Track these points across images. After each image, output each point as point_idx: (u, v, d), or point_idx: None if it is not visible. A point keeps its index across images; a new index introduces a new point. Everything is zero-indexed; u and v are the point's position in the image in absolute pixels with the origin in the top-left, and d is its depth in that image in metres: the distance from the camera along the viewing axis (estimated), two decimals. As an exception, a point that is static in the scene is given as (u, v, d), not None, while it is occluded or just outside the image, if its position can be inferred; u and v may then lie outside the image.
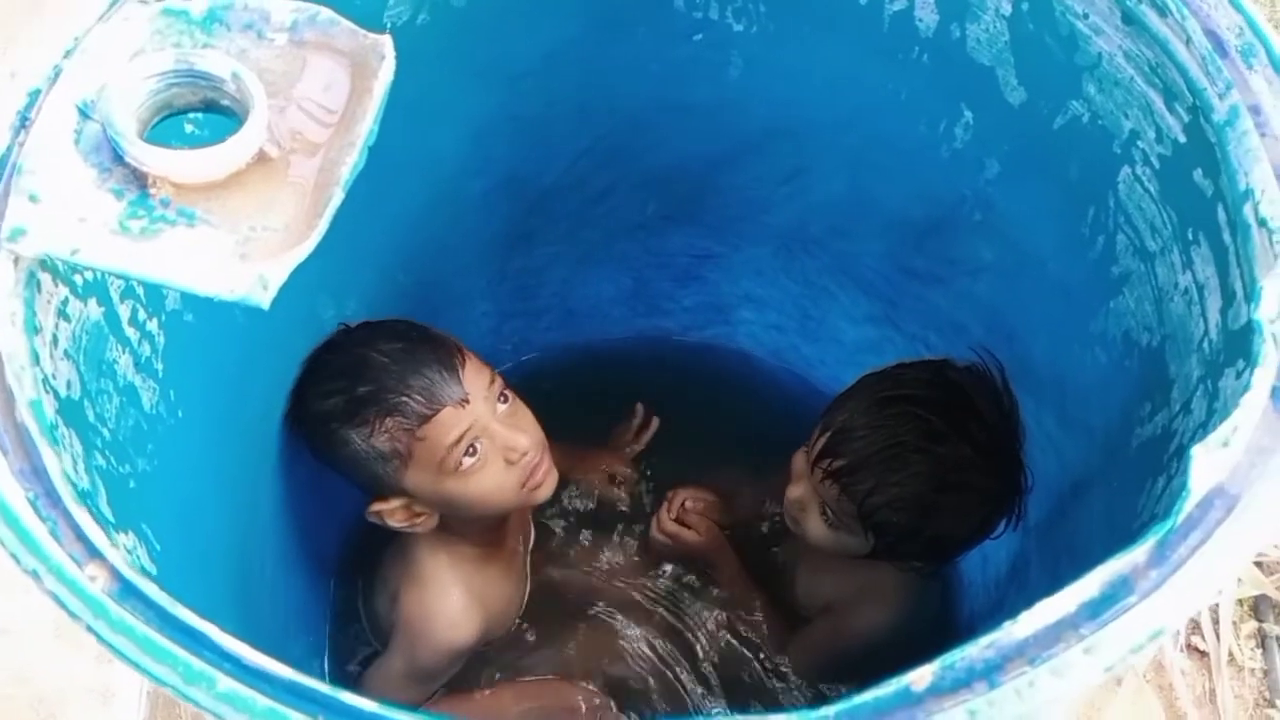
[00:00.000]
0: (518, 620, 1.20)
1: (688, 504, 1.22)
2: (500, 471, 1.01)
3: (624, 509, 1.30)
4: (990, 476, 0.98)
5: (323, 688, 0.47)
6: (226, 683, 0.47)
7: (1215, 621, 1.40)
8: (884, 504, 0.97)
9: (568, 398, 1.34)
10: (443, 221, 1.11)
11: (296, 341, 1.04)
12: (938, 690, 0.48)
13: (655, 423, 1.35)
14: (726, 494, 1.28)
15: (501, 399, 1.02)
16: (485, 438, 0.99)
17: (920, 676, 0.48)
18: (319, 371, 1.01)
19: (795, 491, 1.04)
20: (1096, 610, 0.50)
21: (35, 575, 0.50)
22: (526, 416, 1.05)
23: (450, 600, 1.08)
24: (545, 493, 1.05)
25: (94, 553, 0.52)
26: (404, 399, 0.96)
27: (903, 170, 1.04)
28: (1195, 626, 1.40)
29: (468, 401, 0.98)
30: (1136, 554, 0.52)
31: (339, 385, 0.99)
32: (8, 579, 1.27)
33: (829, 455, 0.98)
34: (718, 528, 1.22)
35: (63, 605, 0.49)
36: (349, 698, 0.47)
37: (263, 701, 0.46)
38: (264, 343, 0.97)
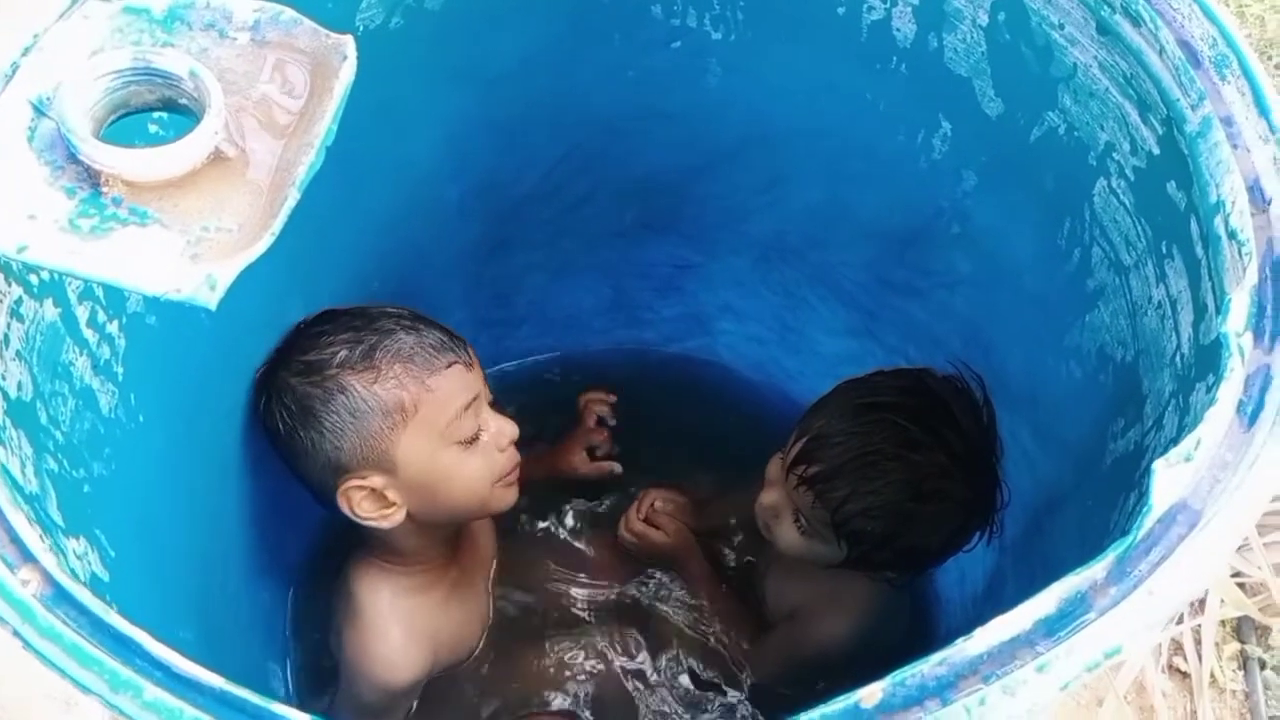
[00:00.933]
0: (480, 643, 1.16)
1: (657, 504, 1.21)
2: (487, 456, 1.00)
3: (618, 473, 1.28)
4: (966, 487, 0.97)
5: (254, 698, 0.45)
6: (154, 691, 0.46)
7: (1197, 642, 1.38)
8: (858, 512, 0.96)
9: (546, 408, 1.34)
10: (417, 226, 1.10)
11: (264, 345, 1.02)
12: (888, 708, 0.47)
13: (612, 398, 1.32)
14: (700, 499, 1.27)
15: (492, 403, 1.03)
16: (483, 416, 0.99)
17: (870, 693, 0.47)
18: (317, 327, 0.97)
19: (769, 497, 1.02)
20: (1053, 628, 0.49)
21: (-37, 579, 0.49)
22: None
23: (388, 641, 1.04)
24: (512, 496, 1.04)
25: (28, 557, 0.50)
26: (418, 347, 0.94)
27: (881, 180, 1.03)
28: (1177, 647, 1.39)
29: (474, 366, 0.98)
30: (1095, 570, 0.50)
31: (345, 335, 0.95)
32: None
33: (804, 461, 0.97)
34: (687, 530, 1.21)
35: (-12, 610, 0.48)
36: (281, 709, 0.45)
37: (190, 711, 0.45)
38: (230, 346, 0.96)
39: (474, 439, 0.98)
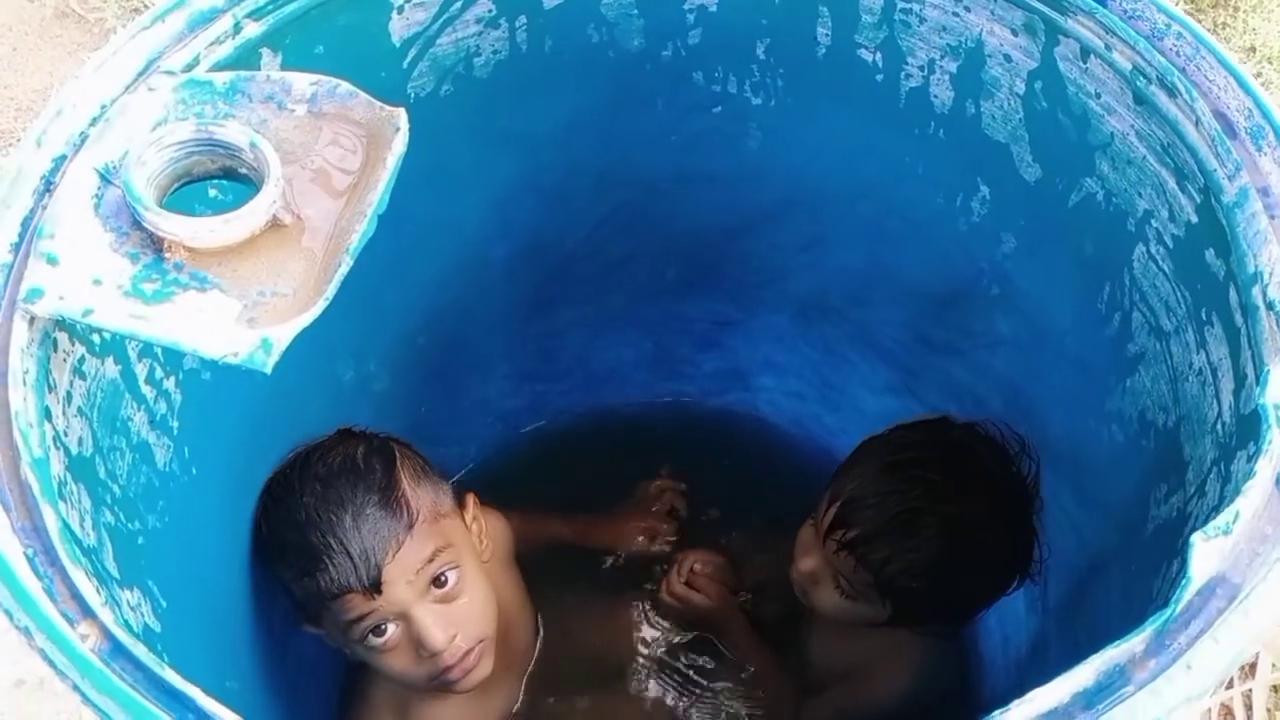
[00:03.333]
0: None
1: (697, 567, 1.20)
2: (409, 658, 0.95)
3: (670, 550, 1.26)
4: (1002, 531, 0.97)
5: (301, 757, 0.46)
6: (206, 748, 0.47)
7: (1248, 708, 1.35)
8: (901, 571, 0.96)
9: (586, 461, 1.35)
10: (464, 286, 1.12)
11: (315, 401, 1.05)
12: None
13: (682, 485, 1.31)
14: (740, 559, 1.26)
15: (438, 581, 0.95)
16: (399, 621, 0.94)
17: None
18: (274, 495, 0.97)
19: (807, 565, 1.02)
20: (1091, 700, 0.49)
21: (26, 632, 0.50)
22: (468, 604, 0.97)
23: None
24: (465, 687, 0.98)
25: (87, 612, 0.52)
26: (320, 565, 0.91)
27: (920, 242, 1.04)
28: (1227, 712, 1.36)
29: (379, 593, 0.91)
30: (1134, 643, 0.50)
31: (278, 522, 0.95)
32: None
33: (841, 526, 0.97)
34: (728, 592, 1.20)
35: (51, 663, 0.50)
36: (326, 768, 0.46)
37: (240, 768, 0.46)
38: (282, 402, 0.98)
39: (387, 644, 0.94)
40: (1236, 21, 1.93)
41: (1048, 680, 0.50)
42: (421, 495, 0.97)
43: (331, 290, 0.65)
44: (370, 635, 0.94)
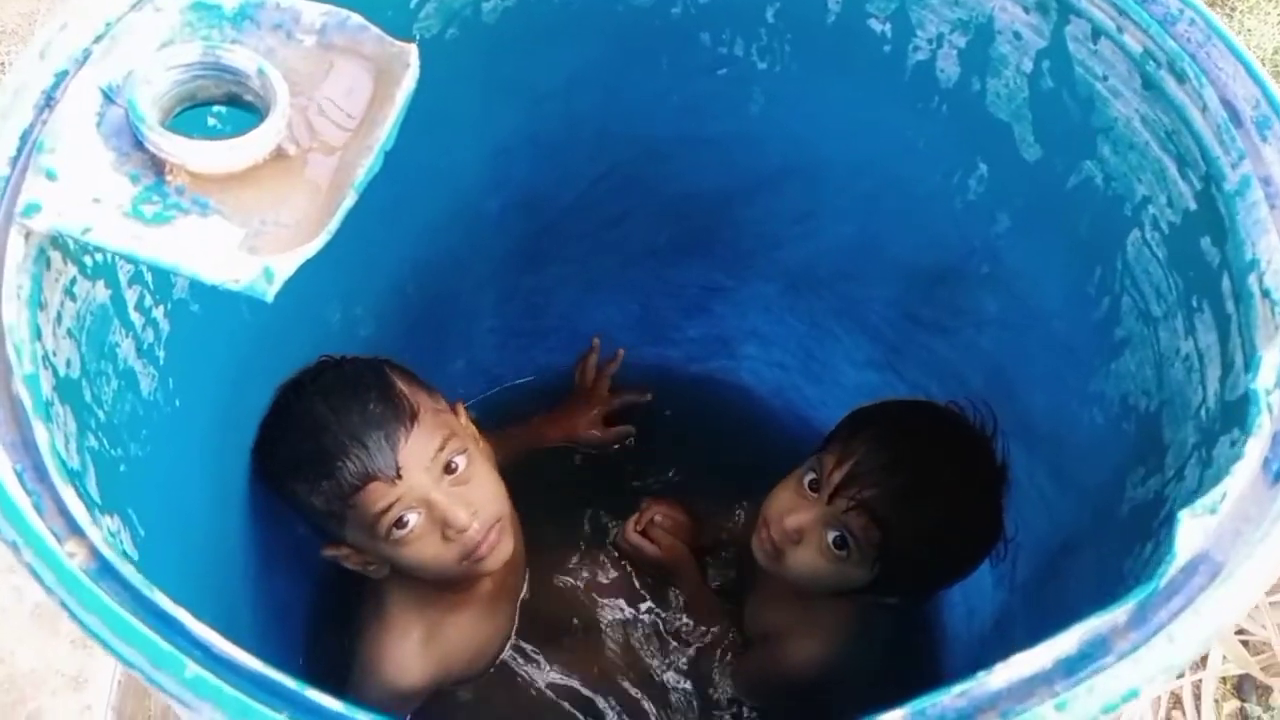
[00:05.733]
0: (497, 659, 1.18)
1: (657, 519, 1.24)
2: (436, 543, 0.99)
3: (632, 440, 1.34)
4: (989, 513, 1.02)
5: (290, 683, 0.47)
6: (194, 669, 0.47)
7: (1197, 698, 1.38)
8: (910, 535, 0.98)
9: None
10: (457, 236, 1.12)
11: (300, 341, 1.04)
12: (907, 734, 0.48)
13: (620, 354, 1.36)
14: (707, 518, 1.30)
15: (449, 468, 0.99)
16: (420, 509, 0.97)
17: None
18: (278, 417, 1.01)
19: (795, 521, 1.01)
20: (1073, 667, 0.50)
21: (15, 547, 0.50)
22: (480, 486, 1.01)
23: (407, 644, 1.07)
24: (491, 565, 1.02)
25: (75, 529, 0.52)
26: (337, 464, 0.94)
27: (914, 218, 1.04)
28: (1176, 701, 1.39)
29: (399, 477, 0.95)
30: (1117, 614, 0.51)
31: (287, 437, 0.99)
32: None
33: (855, 484, 0.98)
34: (683, 546, 1.24)
35: (39, 579, 0.49)
36: (315, 695, 0.47)
37: (229, 691, 0.46)
38: (268, 340, 0.97)
39: (413, 533, 0.98)
40: (1233, 22, 1.95)
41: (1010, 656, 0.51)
42: (418, 394, 1.01)
43: (335, 224, 0.64)
44: (394, 529, 0.97)
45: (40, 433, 0.54)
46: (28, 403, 0.55)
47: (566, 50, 0.99)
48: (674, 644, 1.23)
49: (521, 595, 1.22)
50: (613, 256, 1.25)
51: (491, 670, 1.18)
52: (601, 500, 1.34)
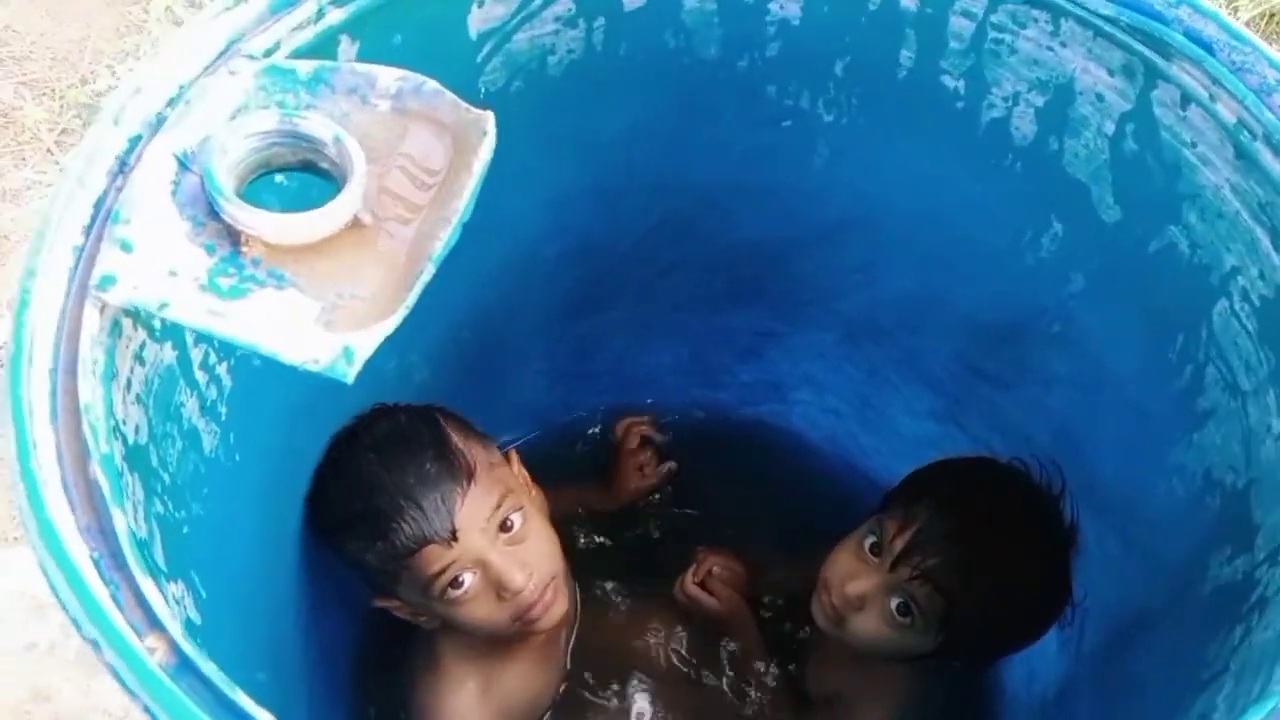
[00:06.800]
0: (552, 703, 1.17)
1: (715, 570, 1.21)
2: (491, 603, 0.97)
3: (674, 469, 1.31)
4: (1057, 580, 0.99)
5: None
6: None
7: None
8: (975, 603, 0.96)
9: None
10: (512, 283, 1.10)
11: (355, 389, 1.01)
12: None
13: (651, 416, 1.33)
14: (758, 567, 1.27)
15: (505, 525, 0.97)
16: (476, 569, 0.96)
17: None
18: (331, 469, 0.99)
19: (857, 588, 0.99)
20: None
21: (95, 645, 0.49)
22: (535, 543, 0.99)
23: (463, 694, 1.05)
24: (545, 625, 1.01)
25: (155, 623, 0.51)
26: (392, 526, 0.93)
27: (981, 274, 1.02)
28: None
29: (455, 539, 0.94)
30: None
31: (340, 494, 0.97)
32: (42, 596, 1.27)
33: (918, 554, 0.96)
34: (739, 598, 1.21)
35: (120, 680, 0.48)
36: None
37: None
38: (324, 389, 0.95)
39: (467, 594, 0.97)
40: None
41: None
42: (473, 448, 0.99)
43: (413, 298, 0.63)
44: (449, 589, 0.95)
45: (118, 519, 0.53)
46: (105, 488, 0.54)
47: (630, 101, 0.97)
48: (730, 697, 1.20)
49: (572, 640, 1.20)
50: (665, 302, 1.23)
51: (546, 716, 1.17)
52: (651, 545, 1.32)
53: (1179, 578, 0.85)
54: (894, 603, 0.98)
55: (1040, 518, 0.99)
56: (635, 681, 1.21)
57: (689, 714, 1.20)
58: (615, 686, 1.20)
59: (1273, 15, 1.96)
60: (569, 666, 1.19)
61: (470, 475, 0.95)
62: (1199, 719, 0.73)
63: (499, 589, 0.96)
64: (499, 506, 0.97)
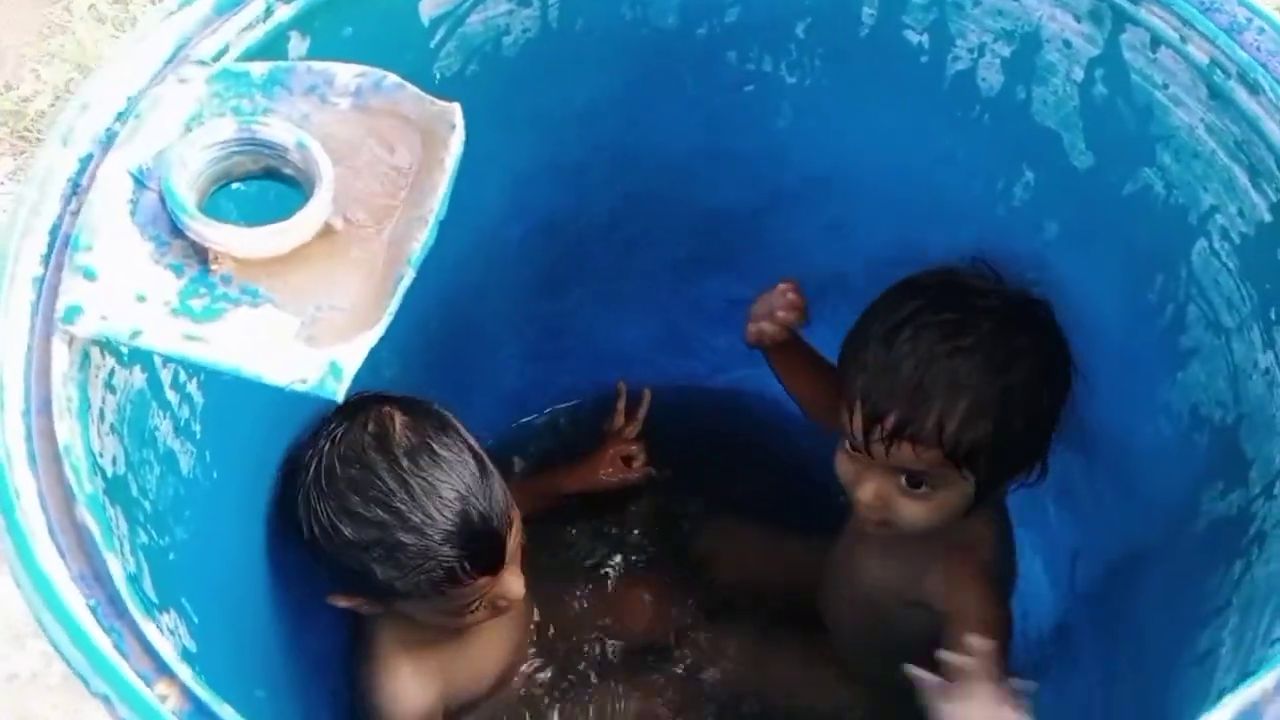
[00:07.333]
0: (507, 673, 1.17)
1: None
2: (485, 612, 1.00)
3: (655, 473, 1.29)
4: (1026, 335, 0.91)
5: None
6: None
7: None
8: (960, 426, 0.88)
9: (593, 440, 1.32)
10: (478, 267, 1.08)
11: (324, 400, 1.00)
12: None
13: (647, 395, 1.32)
14: (746, 540, 1.27)
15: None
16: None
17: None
18: (356, 488, 0.91)
19: (868, 490, 0.94)
20: (1225, 742, 0.48)
21: (106, 700, 0.47)
22: (517, 548, 1.00)
23: (397, 676, 1.05)
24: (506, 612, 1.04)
25: (163, 669, 0.49)
26: (445, 563, 0.90)
27: (953, 225, 1.01)
28: None
29: (497, 573, 0.95)
30: (1265, 681, 0.49)
31: (379, 520, 0.90)
32: (18, 625, 1.23)
33: (877, 421, 0.90)
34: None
35: (136, 735, 0.46)
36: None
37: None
38: (296, 398, 0.92)
39: (466, 615, 0.98)
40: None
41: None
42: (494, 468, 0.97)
43: (394, 305, 0.61)
44: (468, 609, 0.97)
45: (113, 564, 0.51)
46: (95, 531, 0.52)
47: (588, 76, 0.95)
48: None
49: (533, 618, 1.21)
50: (633, 275, 1.21)
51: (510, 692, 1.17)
52: (624, 516, 1.32)
53: (1172, 515, 0.86)
54: (901, 480, 0.93)
55: (966, 293, 0.91)
56: (600, 657, 1.22)
57: (655, 689, 1.21)
58: (580, 666, 1.21)
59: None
60: (534, 642, 1.20)
61: (511, 506, 0.95)
62: (1205, 654, 0.73)
63: (499, 599, 0.98)
64: (517, 533, 0.97)
